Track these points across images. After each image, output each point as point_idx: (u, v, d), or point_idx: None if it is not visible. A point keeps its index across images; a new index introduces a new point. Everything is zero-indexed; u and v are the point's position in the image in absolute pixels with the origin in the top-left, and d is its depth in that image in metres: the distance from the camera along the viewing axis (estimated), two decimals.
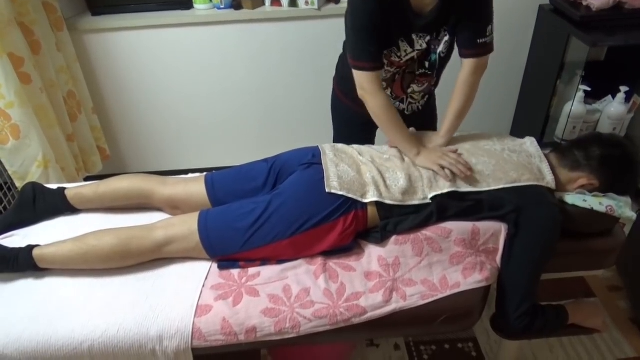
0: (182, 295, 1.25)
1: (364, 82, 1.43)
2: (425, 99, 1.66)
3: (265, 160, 1.51)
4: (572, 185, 1.40)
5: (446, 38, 1.44)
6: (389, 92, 1.60)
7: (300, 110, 2.51)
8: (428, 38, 1.43)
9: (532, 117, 2.42)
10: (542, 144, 1.49)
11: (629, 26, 2.01)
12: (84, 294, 1.27)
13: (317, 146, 1.51)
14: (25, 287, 1.30)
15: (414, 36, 1.42)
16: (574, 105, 2.16)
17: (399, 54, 1.46)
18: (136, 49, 2.29)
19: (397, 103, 1.63)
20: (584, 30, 1.97)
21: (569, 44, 2.09)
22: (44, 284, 1.31)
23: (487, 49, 1.44)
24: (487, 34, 1.40)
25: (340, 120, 1.80)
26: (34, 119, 1.91)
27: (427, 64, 1.51)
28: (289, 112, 2.53)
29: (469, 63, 1.45)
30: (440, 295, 1.26)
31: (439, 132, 1.51)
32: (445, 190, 1.32)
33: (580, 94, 2.14)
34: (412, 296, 1.26)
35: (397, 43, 1.43)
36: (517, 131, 1.60)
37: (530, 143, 1.50)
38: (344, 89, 1.68)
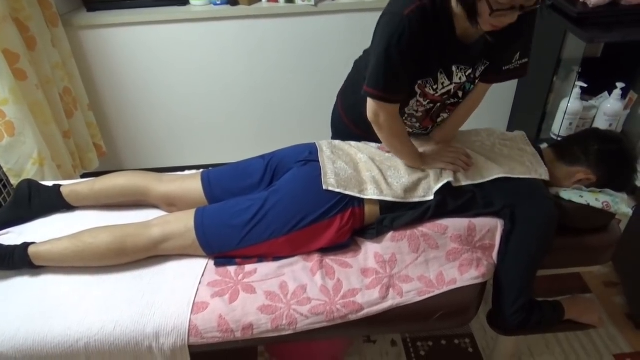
0: (178, 293, 1.25)
1: (382, 112, 1.30)
2: None
3: (262, 157, 1.50)
4: (569, 180, 1.40)
5: (485, 67, 1.35)
6: (418, 125, 1.50)
7: (297, 107, 2.50)
8: (469, 71, 1.32)
9: (528, 113, 2.42)
10: (539, 140, 1.49)
11: (626, 23, 2.00)
12: (79, 292, 1.27)
13: (314, 143, 1.51)
14: (20, 285, 1.30)
15: (454, 68, 1.30)
16: (571, 102, 2.16)
17: (435, 87, 1.34)
18: (132, 45, 2.28)
19: (419, 131, 1.54)
20: (581, 26, 1.97)
21: (565, 41, 2.09)
22: (40, 281, 1.31)
23: (507, 75, 1.36)
24: (513, 61, 1.33)
25: (342, 138, 1.60)
26: (29, 115, 1.90)
27: (460, 93, 1.40)
28: (286, 109, 2.52)
29: (483, 88, 1.41)
30: (437, 292, 1.26)
31: (434, 139, 1.50)
32: (440, 184, 1.32)
33: (576, 91, 2.14)
34: (409, 292, 1.26)
35: (435, 75, 1.31)
36: (514, 127, 1.59)
37: (520, 137, 1.50)
38: (354, 118, 1.56)
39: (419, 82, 1.33)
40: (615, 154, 1.39)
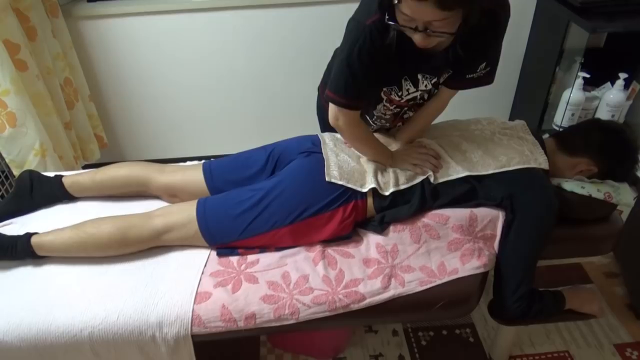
0: (181, 282, 1.25)
1: (342, 117, 1.30)
2: None
3: (264, 148, 1.50)
4: (571, 170, 1.40)
5: (447, 74, 1.34)
6: (387, 125, 1.52)
7: (298, 98, 2.49)
8: (435, 80, 1.32)
9: (530, 103, 2.42)
10: (541, 131, 1.49)
11: (629, 12, 2.00)
12: (83, 282, 1.28)
13: (317, 135, 1.51)
14: (24, 275, 1.31)
15: (419, 76, 1.30)
16: (573, 92, 2.15)
17: (399, 93, 1.35)
18: (132, 36, 2.26)
19: (389, 127, 1.56)
20: (584, 16, 1.96)
21: (568, 30, 2.08)
22: (43, 271, 1.31)
23: (470, 83, 1.34)
24: (478, 70, 1.30)
25: (330, 129, 1.54)
26: (31, 106, 1.89)
27: (426, 96, 1.41)
28: (288, 100, 2.51)
29: (447, 94, 1.39)
30: (439, 282, 1.27)
31: (398, 140, 1.48)
32: (440, 181, 1.32)
33: (579, 81, 2.14)
34: (411, 282, 1.26)
35: (399, 82, 1.32)
36: (516, 118, 1.59)
37: (521, 126, 1.50)
38: None
39: (384, 89, 1.34)
40: (617, 144, 1.39)
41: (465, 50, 1.20)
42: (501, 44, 1.30)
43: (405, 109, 1.43)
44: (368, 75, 1.22)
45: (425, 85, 1.33)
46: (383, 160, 1.39)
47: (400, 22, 1.06)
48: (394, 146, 1.47)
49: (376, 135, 1.50)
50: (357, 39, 1.17)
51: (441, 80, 1.34)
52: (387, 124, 1.52)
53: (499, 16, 1.21)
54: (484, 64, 1.29)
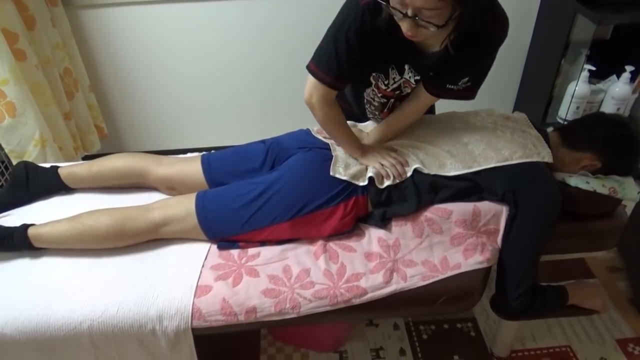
0: (181, 276, 1.24)
1: (316, 93, 1.29)
2: None
3: (263, 142, 1.49)
4: (575, 165, 1.38)
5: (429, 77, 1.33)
6: (377, 114, 1.51)
7: (299, 89, 2.44)
8: (417, 78, 1.32)
9: (535, 96, 2.39)
10: (545, 124, 1.47)
11: (636, 4, 1.97)
12: (81, 274, 1.27)
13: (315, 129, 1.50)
14: (22, 267, 1.30)
15: (406, 66, 1.29)
16: (578, 85, 2.13)
17: (386, 82, 1.35)
18: (132, 25, 2.24)
19: (380, 118, 1.54)
20: (590, 7, 1.93)
21: (574, 22, 2.05)
22: (41, 263, 1.30)
23: (446, 94, 1.33)
24: (459, 83, 1.29)
25: None
26: (30, 96, 1.88)
27: (409, 90, 1.41)
28: (289, 91, 2.49)
29: (425, 97, 1.36)
30: (441, 276, 1.26)
31: (370, 138, 1.47)
32: (432, 172, 1.31)
33: (584, 74, 2.11)
34: (413, 277, 1.25)
35: (386, 71, 1.32)
36: (520, 111, 1.57)
37: (522, 119, 1.48)
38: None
39: (373, 74, 1.34)
40: (621, 138, 1.36)
41: (454, 59, 1.18)
42: (490, 65, 1.30)
43: (392, 100, 1.42)
44: (351, 55, 1.20)
45: (409, 77, 1.32)
46: (353, 151, 1.38)
47: (392, 3, 1.05)
48: (365, 142, 1.46)
49: (352, 124, 1.51)
50: (348, 17, 1.17)
51: (424, 78, 1.33)
52: (377, 113, 1.51)
53: (494, 33, 1.20)
54: (466, 79, 1.28)
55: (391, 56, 1.27)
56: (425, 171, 1.31)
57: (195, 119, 2.58)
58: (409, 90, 1.39)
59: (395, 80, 1.34)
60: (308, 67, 1.28)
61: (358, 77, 1.37)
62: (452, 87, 1.30)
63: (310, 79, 1.28)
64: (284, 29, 2.30)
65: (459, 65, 1.24)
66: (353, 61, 1.22)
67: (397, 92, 1.39)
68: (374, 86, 1.39)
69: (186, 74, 2.41)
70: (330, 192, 1.29)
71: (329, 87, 1.27)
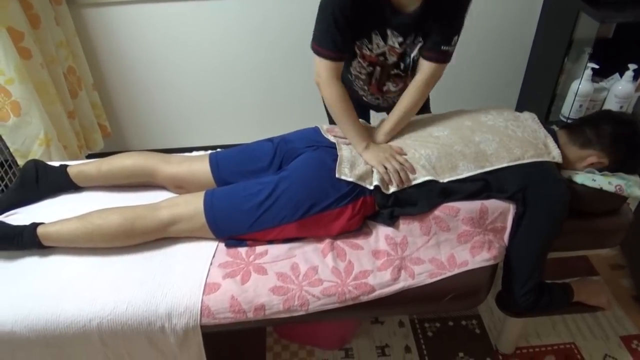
0: (189, 274, 1.25)
1: (322, 70, 1.39)
2: None
3: (271, 140, 1.49)
4: (582, 163, 1.39)
5: (420, 44, 1.40)
6: (366, 90, 1.57)
7: (304, 87, 2.47)
8: (401, 39, 1.38)
9: (538, 94, 2.40)
10: (548, 122, 1.47)
11: (639, 2, 1.97)
12: (90, 272, 1.27)
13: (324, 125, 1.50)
14: (31, 265, 1.30)
15: (388, 31, 1.37)
16: (582, 83, 2.13)
17: (370, 47, 1.41)
18: (136, 24, 2.24)
19: (373, 98, 1.63)
20: (593, 6, 1.93)
21: (577, 21, 2.05)
22: (50, 262, 1.31)
23: (447, 56, 1.40)
24: (452, 43, 1.37)
25: None
26: (35, 95, 1.88)
27: (401, 65, 1.47)
28: (293, 89, 2.49)
29: (427, 67, 1.40)
30: (448, 274, 1.26)
31: (380, 130, 1.46)
32: (449, 179, 1.30)
33: (588, 72, 2.11)
34: (420, 274, 1.26)
35: (369, 35, 1.38)
36: (523, 109, 1.57)
37: (532, 118, 1.48)
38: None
39: (357, 42, 1.41)
40: (629, 136, 1.37)
41: (432, 14, 1.30)
42: (464, 17, 1.36)
43: (378, 67, 1.48)
44: (339, 22, 1.30)
45: (393, 42, 1.39)
46: (357, 142, 1.39)
47: None
48: (378, 134, 1.46)
49: (364, 123, 1.55)
50: None
51: (411, 49, 1.42)
52: (366, 87, 1.57)
53: None
54: (456, 37, 1.37)
55: (374, 20, 1.34)
56: (439, 180, 1.30)
57: (199, 117, 2.58)
58: (394, 59, 1.45)
59: (380, 46, 1.41)
60: (312, 48, 1.39)
61: (352, 46, 1.44)
62: (447, 48, 1.37)
63: (316, 58, 1.39)
64: (287, 26, 2.30)
65: (440, 21, 1.33)
66: (344, 31, 1.33)
67: (382, 58, 1.44)
68: (359, 56, 1.46)
69: (189, 72, 2.41)
70: (338, 193, 1.29)
71: (332, 60, 1.37)
